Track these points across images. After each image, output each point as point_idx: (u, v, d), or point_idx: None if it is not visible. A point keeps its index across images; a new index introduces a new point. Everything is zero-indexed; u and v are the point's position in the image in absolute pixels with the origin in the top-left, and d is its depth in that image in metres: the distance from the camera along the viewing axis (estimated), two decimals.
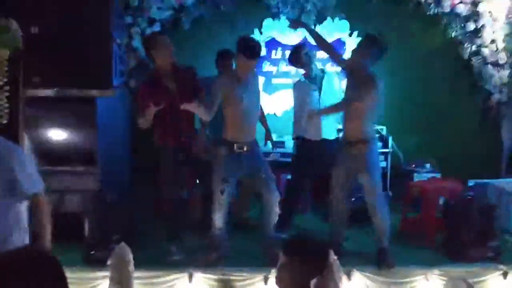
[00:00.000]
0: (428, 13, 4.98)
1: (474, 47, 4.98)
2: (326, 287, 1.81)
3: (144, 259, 3.28)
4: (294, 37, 5.05)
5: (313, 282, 1.84)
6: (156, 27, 4.95)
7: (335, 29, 5.09)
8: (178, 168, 3.43)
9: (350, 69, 3.39)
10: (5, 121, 3.77)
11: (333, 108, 3.48)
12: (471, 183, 4.83)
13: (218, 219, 3.30)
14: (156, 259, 3.32)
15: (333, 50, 3.69)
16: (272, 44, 5.14)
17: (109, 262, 2.16)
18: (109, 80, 3.75)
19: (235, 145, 3.26)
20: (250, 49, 3.19)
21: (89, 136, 3.69)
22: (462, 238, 3.33)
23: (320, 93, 3.84)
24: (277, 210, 3.37)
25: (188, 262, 3.27)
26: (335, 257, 1.86)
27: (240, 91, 3.25)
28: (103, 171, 3.70)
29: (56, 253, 1.29)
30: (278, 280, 1.84)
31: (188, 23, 5.00)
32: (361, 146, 3.23)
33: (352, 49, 3.57)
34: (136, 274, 3.06)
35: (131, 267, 2.29)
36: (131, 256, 2.29)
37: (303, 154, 3.92)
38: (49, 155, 3.69)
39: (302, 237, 1.91)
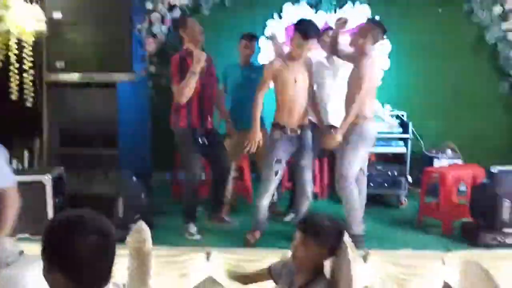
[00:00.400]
0: None
1: (500, 32, 4.86)
2: (340, 267, 1.83)
3: (163, 239, 3.39)
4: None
5: (327, 262, 1.87)
6: (176, 13, 4.99)
7: (355, 14, 5.01)
8: (197, 150, 3.47)
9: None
10: (29, 105, 3.90)
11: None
12: (493, 169, 4.74)
13: (266, 201, 3.37)
14: (175, 239, 3.39)
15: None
16: (292, 29, 5.10)
17: (128, 240, 2.21)
18: (129, 64, 3.83)
19: (287, 128, 3.29)
20: (307, 29, 3.19)
21: (110, 119, 3.78)
22: (480, 223, 3.28)
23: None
24: (308, 198, 3.40)
25: (207, 242, 3.34)
26: (350, 239, 1.87)
27: (292, 73, 3.27)
28: (123, 153, 3.79)
29: None
30: (293, 257, 1.87)
31: (207, 9, 5.02)
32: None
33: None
34: (155, 252, 3.15)
35: (149, 245, 2.34)
36: (149, 235, 2.33)
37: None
38: (71, 138, 3.81)
39: (318, 217, 1.92)
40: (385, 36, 4.80)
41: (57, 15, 3.90)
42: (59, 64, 3.93)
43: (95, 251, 1.18)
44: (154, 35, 4.96)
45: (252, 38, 3.94)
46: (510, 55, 4.85)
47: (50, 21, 3.87)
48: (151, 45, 4.79)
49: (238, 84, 3.88)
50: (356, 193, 3.26)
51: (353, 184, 3.24)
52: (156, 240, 3.28)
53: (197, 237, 3.44)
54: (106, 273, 1.24)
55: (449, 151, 4.64)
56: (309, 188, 3.41)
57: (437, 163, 4.52)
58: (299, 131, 3.33)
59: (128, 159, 3.84)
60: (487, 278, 2.67)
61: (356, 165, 3.25)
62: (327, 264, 1.97)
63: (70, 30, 3.84)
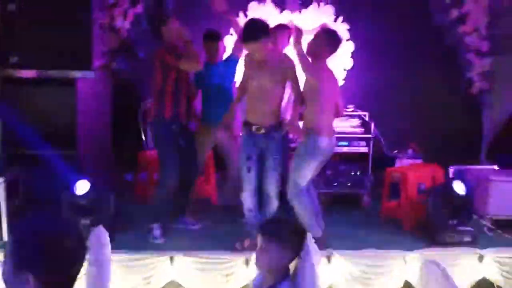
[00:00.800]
0: None
1: (457, 34, 5.01)
2: (303, 269, 1.83)
3: (127, 242, 3.31)
4: (279, 20, 5.00)
5: (291, 264, 1.86)
6: (139, 8, 4.85)
7: (320, 14, 5.05)
8: (177, 146, 3.40)
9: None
10: None
11: None
12: (451, 169, 4.92)
13: (248, 201, 3.29)
14: (139, 243, 3.32)
15: None
16: None
17: (87, 245, 2.13)
18: (89, 60, 3.69)
19: (252, 126, 3.25)
20: (242, 33, 3.16)
21: (69, 118, 3.63)
22: (439, 222, 3.39)
23: None
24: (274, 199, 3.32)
25: (170, 246, 3.28)
26: (313, 240, 1.88)
27: (256, 72, 3.23)
28: (83, 154, 3.65)
29: None
30: (257, 262, 1.85)
31: (172, 4, 4.92)
32: None
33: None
34: (118, 256, 3.07)
35: (108, 249, 2.27)
36: (108, 239, 2.27)
37: None
38: (28, 138, 3.63)
39: (279, 220, 1.92)
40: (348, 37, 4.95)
41: (12, 7, 3.70)
42: (12, 59, 3.72)
43: (71, 255, 1.18)
44: (116, 30, 4.82)
45: (212, 37, 3.88)
46: (467, 57, 5.02)
47: (4, 14, 3.67)
48: (113, 41, 4.64)
49: (206, 81, 3.83)
50: (306, 201, 3.24)
51: (303, 193, 3.23)
52: (119, 244, 3.25)
53: (161, 240, 3.37)
54: (74, 279, 1.21)
55: (410, 151, 4.76)
56: (272, 190, 3.29)
57: (398, 163, 4.63)
58: (263, 130, 3.27)
59: (87, 160, 3.71)
60: (445, 276, 2.76)
61: (305, 175, 3.22)
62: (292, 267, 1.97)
63: (25, 23, 3.65)
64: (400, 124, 5.10)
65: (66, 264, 1.17)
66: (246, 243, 3.26)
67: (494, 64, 5.02)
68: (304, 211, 3.23)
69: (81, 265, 1.22)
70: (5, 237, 3.15)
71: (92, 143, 3.88)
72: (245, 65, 3.34)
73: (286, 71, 3.28)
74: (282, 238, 1.83)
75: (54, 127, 3.66)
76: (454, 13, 4.91)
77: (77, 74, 3.62)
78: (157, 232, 3.38)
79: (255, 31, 3.12)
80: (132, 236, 3.46)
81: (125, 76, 4.84)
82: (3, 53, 3.79)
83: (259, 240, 1.85)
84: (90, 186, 3.36)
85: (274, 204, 3.33)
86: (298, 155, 3.23)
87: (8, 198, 3.29)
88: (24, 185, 3.53)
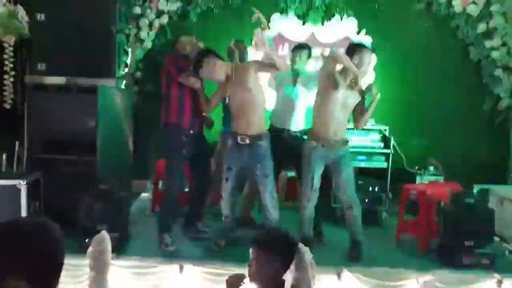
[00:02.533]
0: (439, 13, 4.90)
1: (484, 50, 4.89)
2: (299, 284, 1.81)
3: (140, 249, 3.35)
4: (301, 32, 5.01)
5: (287, 278, 1.85)
6: (164, 19, 4.97)
7: (343, 27, 5.03)
8: (184, 155, 3.43)
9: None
10: (8, 107, 3.84)
11: None
12: (476, 188, 4.76)
13: (224, 207, 3.44)
14: (151, 250, 3.35)
15: None
16: (279, 39, 5.10)
17: (89, 250, 2.18)
18: (111, 69, 3.79)
19: (238, 136, 3.31)
20: None
21: (90, 125, 3.72)
22: (455, 243, 3.28)
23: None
24: (271, 209, 3.35)
25: (181, 254, 3.30)
26: (310, 255, 1.85)
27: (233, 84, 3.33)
28: (103, 160, 3.73)
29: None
30: (250, 275, 1.85)
31: (195, 16, 5.01)
32: None
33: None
34: (128, 263, 3.12)
35: (108, 255, 2.30)
36: (109, 245, 2.29)
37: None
38: (50, 143, 3.75)
39: (268, 232, 1.91)
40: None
41: (41, 17, 3.86)
42: (41, 66, 3.87)
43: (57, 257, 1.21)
44: (142, 40, 4.95)
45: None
46: (494, 73, 4.88)
47: (33, 23, 3.83)
48: (137, 51, 4.77)
49: None
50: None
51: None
52: (132, 251, 3.31)
53: (172, 248, 3.40)
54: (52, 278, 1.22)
55: (431, 168, 4.64)
56: (268, 199, 3.33)
57: (419, 180, 4.52)
58: (247, 140, 3.29)
59: (107, 166, 3.79)
60: None
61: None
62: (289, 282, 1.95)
63: (52, 32, 3.79)
64: (422, 140, 4.99)
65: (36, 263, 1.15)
66: (222, 243, 3.44)
67: None
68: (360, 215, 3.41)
69: (55, 264, 1.21)
70: None
71: (112, 150, 3.95)
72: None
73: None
74: (273, 250, 1.82)
75: (76, 133, 3.75)
76: (482, 27, 4.82)
77: (99, 81, 3.71)
78: (167, 240, 3.41)
79: None
80: (145, 243, 3.51)
81: (148, 85, 4.96)
82: (33, 60, 3.94)
83: (251, 253, 1.85)
84: (107, 193, 3.44)
85: (273, 215, 3.33)
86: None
87: (28, 201, 3.39)
88: (45, 189, 3.63)
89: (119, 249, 3.19)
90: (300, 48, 3.83)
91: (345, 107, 3.37)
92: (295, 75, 3.81)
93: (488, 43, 4.83)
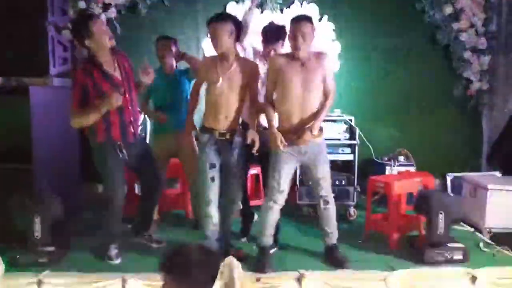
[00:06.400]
0: None
1: (452, 32, 4.67)
2: None
3: (82, 262, 3.05)
4: (259, 22, 4.72)
5: None
6: (111, 13, 4.62)
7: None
8: (120, 164, 3.11)
9: None
10: None
11: None
12: (448, 176, 4.54)
13: (212, 213, 3.03)
14: (94, 263, 3.06)
15: None
16: None
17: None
18: (45, 67, 3.43)
19: (215, 132, 3.00)
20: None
21: (23, 129, 3.36)
22: (426, 238, 3.02)
23: None
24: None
25: (126, 267, 2.98)
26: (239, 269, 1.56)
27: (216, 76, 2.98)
28: (41, 168, 3.38)
29: None
30: None
31: (145, 7, 4.68)
32: None
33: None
34: (67, 278, 2.79)
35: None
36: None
37: None
38: None
39: (181, 252, 1.58)
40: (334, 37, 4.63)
41: None
42: None
43: None
44: None
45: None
46: (464, 56, 4.67)
47: None
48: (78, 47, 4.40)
49: (162, 88, 3.56)
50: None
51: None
52: (74, 263, 2.98)
53: (117, 261, 3.07)
54: None
55: (401, 158, 4.40)
56: (237, 197, 3.13)
57: (389, 171, 4.28)
58: (228, 136, 3.00)
59: (46, 174, 3.43)
60: None
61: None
62: None
63: None
64: (391, 130, 4.75)
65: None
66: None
67: (494, 63, 4.68)
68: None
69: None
70: None
71: (51, 156, 3.58)
72: (203, 69, 3.07)
73: (251, 71, 3.04)
74: (187, 275, 1.51)
75: (9, 139, 3.39)
76: (448, 9, 4.60)
77: (30, 81, 3.34)
78: (112, 252, 3.08)
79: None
80: (89, 256, 3.18)
81: None
82: None
83: (162, 279, 1.54)
84: (43, 204, 3.09)
85: (231, 217, 3.09)
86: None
87: None
88: None
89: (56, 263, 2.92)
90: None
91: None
92: None
93: (455, 25, 4.61)
